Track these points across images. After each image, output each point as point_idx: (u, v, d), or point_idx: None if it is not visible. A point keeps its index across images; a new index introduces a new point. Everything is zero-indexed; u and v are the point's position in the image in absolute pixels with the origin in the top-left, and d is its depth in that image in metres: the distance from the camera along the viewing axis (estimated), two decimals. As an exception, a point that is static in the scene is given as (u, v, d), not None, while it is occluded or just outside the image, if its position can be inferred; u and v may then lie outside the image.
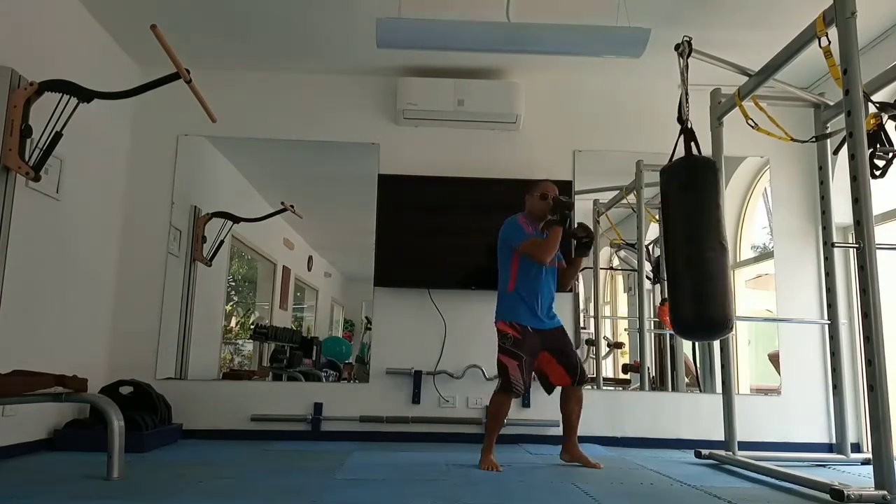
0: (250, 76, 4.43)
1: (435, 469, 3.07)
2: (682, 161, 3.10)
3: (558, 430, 4.09)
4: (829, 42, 2.75)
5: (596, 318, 4.62)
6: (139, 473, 2.76)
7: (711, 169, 3.04)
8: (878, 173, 3.02)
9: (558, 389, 3.34)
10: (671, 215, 3.08)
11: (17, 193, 2.93)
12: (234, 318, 4.70)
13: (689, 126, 3.15)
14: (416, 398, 4.14)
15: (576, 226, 3.32)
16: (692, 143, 3.13)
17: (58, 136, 2.89)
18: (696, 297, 2.91)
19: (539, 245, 3.19)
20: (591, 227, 4.60)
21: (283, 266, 4.65)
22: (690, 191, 3.00)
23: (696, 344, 4.45)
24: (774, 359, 4.31)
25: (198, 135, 4.32)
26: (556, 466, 3.26)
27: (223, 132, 4.20)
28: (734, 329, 3.04)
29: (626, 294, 4.77)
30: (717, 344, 3.85)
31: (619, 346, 4.66)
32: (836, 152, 3.55)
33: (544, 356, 3.25)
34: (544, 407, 4.12)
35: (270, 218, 4.42)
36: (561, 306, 4.24)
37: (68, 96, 2.88)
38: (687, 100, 3.18)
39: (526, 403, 4.14)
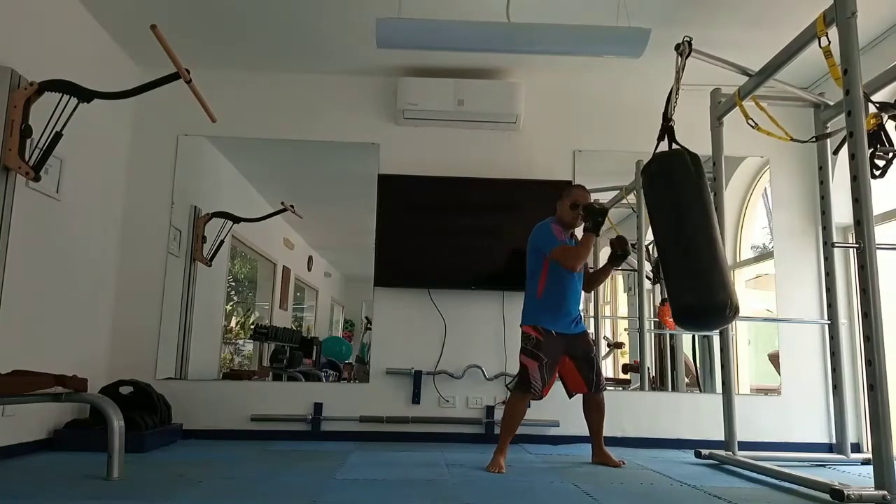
0: (250, 76, 4.43)
1: (435, 469, 3.07)
2: (654, 156, 3.02)
3: (558, 431, 4.12)
4: (829, 42, 2.75)
5: (596, 318, 4.62)
6: (139, 473, 2.75)
7: (681, 157, 2.90)
8: (878, 173, 3.02)
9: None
10: (654, 208, 2.99)
11: (17, 193, 2.93)
12: (234, 318, 4.70)
13: (671, 124, 3.07)
14: (416, 398, 4.14)
15: (615, 237, 3.29)
16: (672, 142, 3.05)
17: (58, 136, 2.89)
18: (694, 281, 2.77)
19: (571, 253, 3.18)
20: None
21: (283, 266, 4.65)
22: (662, 181, 2.90)
23: (696, 344, 4.45)
24: (774, 359, 4.31)
25: (198, 135, 4.32)
26: (556, 466, 3.26)
27: (223, 132, 4.19)
28: (734, 329, 3.02)
29: (626, 294, 4.77)
30: (717, 344, 3.85)
31: (619, 346, 4.66)
32: (836, 152, 3.55)
33: (566, 362, 3.26)
34: (544, 407, 4.11)
35: (270, 218, 4.42)
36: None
37: (68, 96, 2.88)
38: (676, 99, 3.14)
39: (526, 404, 4.14)
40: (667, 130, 3.08)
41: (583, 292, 3.43)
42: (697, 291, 2.74)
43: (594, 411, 3.35)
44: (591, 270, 3.52)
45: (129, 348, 4.05)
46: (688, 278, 2.79)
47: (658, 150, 3.07)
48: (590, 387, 3.26)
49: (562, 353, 3.22)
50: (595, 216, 3.14)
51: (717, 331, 3.53)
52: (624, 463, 3.31)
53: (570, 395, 3.36)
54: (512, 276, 3.94)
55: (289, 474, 2.85)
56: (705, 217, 2.82)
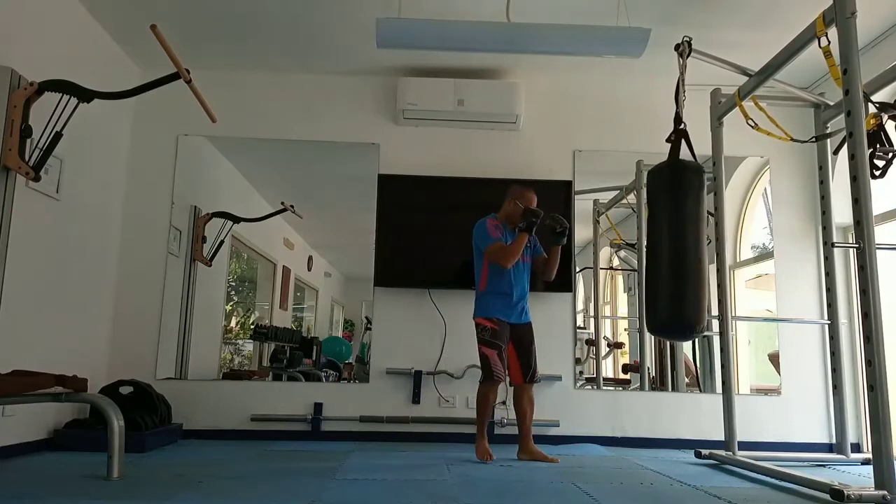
0: (250, 76, 4.42)
1: (435, 469, 3.07)
2: (669, 165, 3.14)
3: (558, 431, 4.12)
4: (829, 42, 2.75)
5: (596, 318, 4.62)
6: (139, 473, 2.75)
7: (698, 175, 3.08)
8: (878, 173, 3.02)
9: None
10: (656, 218, 3.14)
11: (17, 193, 2.93)
12: (234, 318, 4.70)
13: (684, 127, 3.16)
14: (416, 398, 4.14)
15: (548, 220, 3.42)
16: (687, 145, 3.14)
17: (58, 136, 2.89)
18: (674, 300, 3.00)
19: (503, 251, 3.38)
20: (586, 224, 4.61)
21: (283, 266, 4.65)
22: (676, 196, 3.05)
23: (696, 344, 4.44)
24: (774, 359, 4.31)
25: (198, 135, 4.32)
26: (556, 466, 3.26)
27: (223, 132, 4.19)
28: (734, 329, 3.06)
29: (626, 294, 4.77)
30: (717, 344, 3.85)
31: (619, 346, 4.66)
32: (836, 152, 3.55)
33: (510, 351, 3.43)
34: (544, 407, 4.12)
35: (270, 218, 4.42)
36: (559, 306, 4.28)
37: (68, 96, 2.88)
38: (683, 101, 3.18)
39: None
40: (682, 134, 3.17)
41: (544, 279, 3.62)
42: (675, 311, 3.00)
43: (527, 403, 3.46)
44: (544, 258, 3.61)
45: (129, 348, 4.05)
46: (670, 296, 3.02)
47: (671, 158, 3.15)
48: (525, 377, 3.43)
49: (509, 341, 3.40)
50: (530, 216, 3.35)
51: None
52: (557, 459, 3.36)
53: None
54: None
55: (289, 474, 2.85)
56: (700, 239, 3.03)
